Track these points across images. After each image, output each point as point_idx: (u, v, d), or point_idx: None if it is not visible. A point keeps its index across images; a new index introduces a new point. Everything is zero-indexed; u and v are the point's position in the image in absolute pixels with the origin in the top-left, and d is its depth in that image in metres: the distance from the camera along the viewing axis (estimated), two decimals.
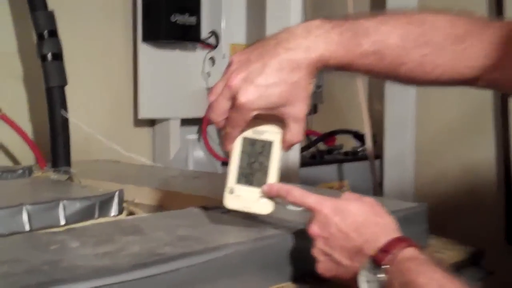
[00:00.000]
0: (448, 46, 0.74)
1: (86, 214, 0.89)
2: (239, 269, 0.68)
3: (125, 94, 1.74)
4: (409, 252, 0.62)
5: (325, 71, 0.78)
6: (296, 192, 0.72)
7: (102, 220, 0.91)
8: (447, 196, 1.77)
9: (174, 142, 1.75)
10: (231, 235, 0.74)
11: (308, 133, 1.96)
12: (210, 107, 0.74)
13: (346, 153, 1.88)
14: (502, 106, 1.67)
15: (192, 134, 1.72)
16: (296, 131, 0.74)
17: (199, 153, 1.67)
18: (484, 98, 1.72)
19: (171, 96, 1.75)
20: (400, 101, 1.81)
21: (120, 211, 0.95)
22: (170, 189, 1.07)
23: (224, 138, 0.76)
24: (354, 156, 1.86)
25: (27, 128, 1.48)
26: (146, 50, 1.68)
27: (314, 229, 0.69)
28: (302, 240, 0.72)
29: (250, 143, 0.76)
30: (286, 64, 0.70)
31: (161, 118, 1.78)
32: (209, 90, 1.85)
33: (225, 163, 1.71)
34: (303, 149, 1.81)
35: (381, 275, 0.62)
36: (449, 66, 0.74)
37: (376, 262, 0.63)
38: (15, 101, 1.52)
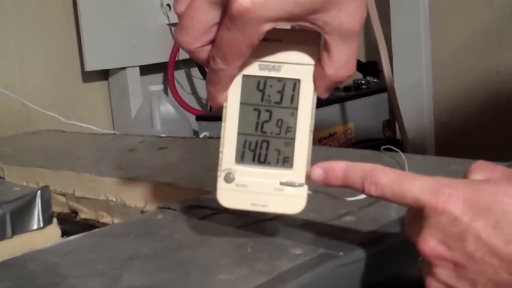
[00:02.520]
0: None
1: None
2: None
3: (65, 41, 1.50)
4: None
5: None
6: (383, 177, 0.39)
7: (18, 239, 0.62)
8: (472, 127, 1.62)
9: (135, 97, 1.51)
10: (240, 274, 0.41)
11: None
12: (179, 24, 0.42)
13: (346, 88, 1.56)
14: None
15: (156, 84, 1.47)
16: (344, 57, 0.42)
17: (167, 107, 1.40)
18: None
19: (125, 38, 1.52)
20: (410, 20, 1.60)
21: (48, 220, 0.65)
22: (122, 174, 0.75)
23: (211, 81, 0.44)
24: (357, 91, 1.55)
25: None
26: None
27: (431, 245, 0.37)
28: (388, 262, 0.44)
29: (258, 87, 0.44)
30: None
31: (115, 68, 1.53)
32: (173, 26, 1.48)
33: (202, 117, 1.41)
34: None
35: None
36: None
37: None
38: None
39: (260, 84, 0.44)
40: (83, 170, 0.79)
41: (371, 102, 1.56)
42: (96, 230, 0.56)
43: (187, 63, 1.65)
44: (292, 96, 0.44)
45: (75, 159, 0.90)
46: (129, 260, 0.46)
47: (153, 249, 0.48)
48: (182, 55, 1.59)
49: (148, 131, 1.33)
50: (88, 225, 0.73)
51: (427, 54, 1.61)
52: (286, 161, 0.44)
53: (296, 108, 0.44)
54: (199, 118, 1.45)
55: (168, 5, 1.56)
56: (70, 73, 1.50)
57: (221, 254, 0.46)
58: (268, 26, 0.39)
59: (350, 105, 1.52)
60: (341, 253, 0.43)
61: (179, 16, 0.42)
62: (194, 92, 1.73)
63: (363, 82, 1.60)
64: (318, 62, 0.43)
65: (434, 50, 1.63)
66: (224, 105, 0.44)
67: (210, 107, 1.67)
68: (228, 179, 0.44)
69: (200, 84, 1.71)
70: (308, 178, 0.44)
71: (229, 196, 0.44)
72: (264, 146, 0.44)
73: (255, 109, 0.44)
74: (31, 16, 1.43)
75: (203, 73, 1.61)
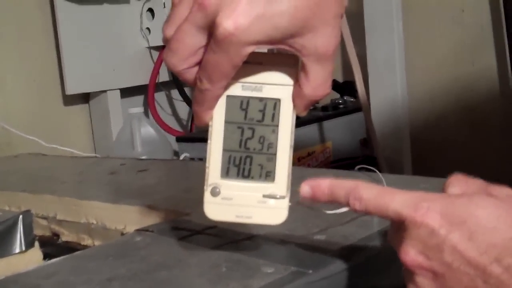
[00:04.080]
0: None
1: None
2: None
3: (47, 65, 1.49)
4: None
5: None
6: (366, 192, 0.42)
7: (0, 262, 0.63)
8: (448, 144, 1.63)
9: (116, 119, 1.50)
10: None
11: None
12: (168, 47, 0.44)
13: (324, 108, 1.58)
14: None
15: (136, 107, 1.46)
16: (320, 78, 0.44)
17: (147, 130, 1.40)
18: (483, 23, 1.56)
19: (105, 62, 1.51)
20: (384, 40, 1.60)
21: (30, 244, 0.66)
22: (102, 197, 0.76)
23: (198, 101, 0.46)
24: (334, 111, 1.57)
25: None
26: (66, 7, 1.43)
27: (411, 255, 0.40)
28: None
29: (241, 106, 0.47)
30: None
31: (95, 91, 1.52)
32: (155, 48, 1.49)
33: (182, 139, 1.42)
34: None
35: None
36: None
37: None
38: None
39: (243, 104, 0.46)
40: (65, 193, 0.80)
41: (348, 121, 1.57)
42: (76, 253, 0.57)
43: (167, 85, 1.65)
44: (273, 115, 0.46)
45: (56, 183, 0.90)
46: (108, 281, 0.47)
47: (131, 270, 0.49)
48: (162, 77, 1.60)
49: (129, 153, 1.33)
50: (70, 248, 0.74)
51: (402, 73, 1.61)
52: (268, 175, 0.46)
53: (277, 126, 0.46)
54: (179, 139, 1.45)
55: (148, 28, 1.56)
56: (51, 96, 1.49)
57: (197, 274, 0.47)
58: (250, 49, 0.42)
59: (328, 124, 1.53)
60: (310, 271, 0.45)
61: (168, 39, 0.44)
62: (174, 113, 1.73)
63: (340, 101, 1.60)
64: (297, 82, 0.45)
65: (409, 69, 1.63)
66: (210, 123, 0.47)
67: (191, 128, 1.68)
68: (214, 193, 0.46)
69: (180, 106, 1.71)
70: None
71: (215, 209, 0.47)
72: (248, 161, 0.47)
73: (238, 127, 0.46)
74: (11, 39, 1.41)
75: (183, 95, 1.61)
